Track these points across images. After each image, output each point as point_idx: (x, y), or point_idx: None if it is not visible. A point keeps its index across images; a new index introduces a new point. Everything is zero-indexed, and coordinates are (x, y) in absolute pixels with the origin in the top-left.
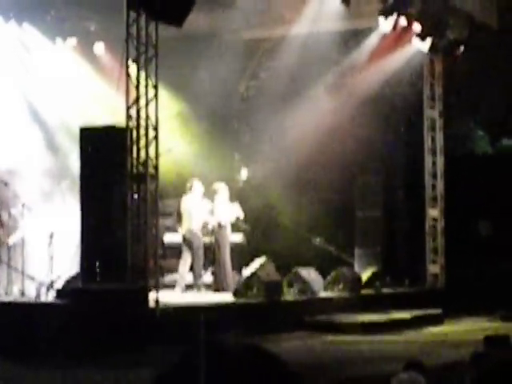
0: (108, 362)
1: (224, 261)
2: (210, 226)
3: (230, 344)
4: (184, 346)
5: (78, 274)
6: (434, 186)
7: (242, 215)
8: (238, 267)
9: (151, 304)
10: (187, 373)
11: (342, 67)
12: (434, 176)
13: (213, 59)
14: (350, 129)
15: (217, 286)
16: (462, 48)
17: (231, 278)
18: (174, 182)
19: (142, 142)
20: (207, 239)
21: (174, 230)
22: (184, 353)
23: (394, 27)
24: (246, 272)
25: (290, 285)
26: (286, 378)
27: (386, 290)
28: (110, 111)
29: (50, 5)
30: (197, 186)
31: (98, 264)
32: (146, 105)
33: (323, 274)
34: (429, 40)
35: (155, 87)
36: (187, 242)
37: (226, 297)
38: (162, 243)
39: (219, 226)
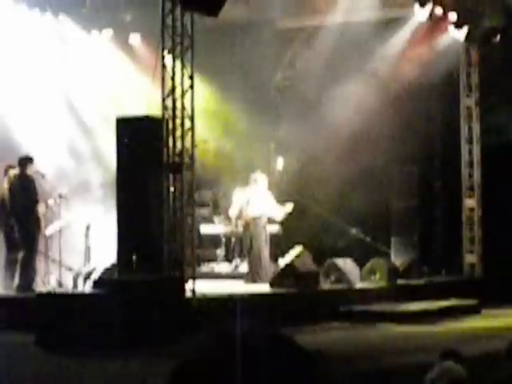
0: (144, 352)
1: (259, 251)
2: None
3: (251, 334)
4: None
5: (114, 265)
6: (470, 176)
7: (280, 216)
8: (274, 257)
9: (188, 294)
10: (206, 365)
11: (377, 57)
12: (471, 165)
13: (248, 49)
14: (386, 118)
15: (253, 277)
16: (498, 36)
17: (267, 268)
18: (209, 172)
19: (178, 133)
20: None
21: (210, 220)
22: (203, 344)
23: (430, 16)
24: (283, 262)
25: (327, 275)
26: (308, 370)
27: (422, 280)
28: (145, 102)
29: None
30: (260, 179)
31: (134, 254)
32: (182, 95)
33: (360, 264)
34: (465, 29)
35: (191, 78)
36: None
37: (263, 287)
38: (198, 233)
39: (254, 216)
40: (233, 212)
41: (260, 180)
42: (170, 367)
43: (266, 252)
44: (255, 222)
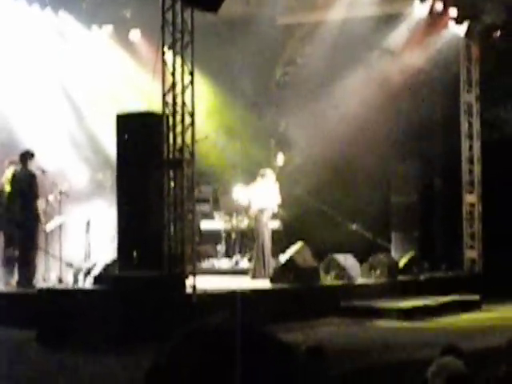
0: (144, 348)
1: (263, 246)
2: (250, 212)
3: (226, 329)
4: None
5: (115, 261)
6: (470, 171)
7: (278, 200)
8: (274, 253)
9: (188, 290)
10: (179, 365)
11: (377, 52)
12: (471, 161)
13: (249, 45)
14: (386, 114)
15: (254, 272)
16: (498, 32)
17: (270, 264)
18: (210, 168)
19: (179, 129)
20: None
21: (210, 216)
22: (174, 344)
23: (430, 12)
24: (283, 258)
25: (327, 271)
26: (292, 367)
27: (423, 276)
28: (145, 98)
29: None
30: (268, 173)
31: (135, 250)
32: (182, 91)
33: (360, 259)
34: (465, 24)
35: (191, 74)
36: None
37: (263, 283)
38: (199, 229)
39: (258, 209)
40: (242, 201)
41: (268, 175)
42: (144, 370)
43: (268, 247)
44: (258, 217)
